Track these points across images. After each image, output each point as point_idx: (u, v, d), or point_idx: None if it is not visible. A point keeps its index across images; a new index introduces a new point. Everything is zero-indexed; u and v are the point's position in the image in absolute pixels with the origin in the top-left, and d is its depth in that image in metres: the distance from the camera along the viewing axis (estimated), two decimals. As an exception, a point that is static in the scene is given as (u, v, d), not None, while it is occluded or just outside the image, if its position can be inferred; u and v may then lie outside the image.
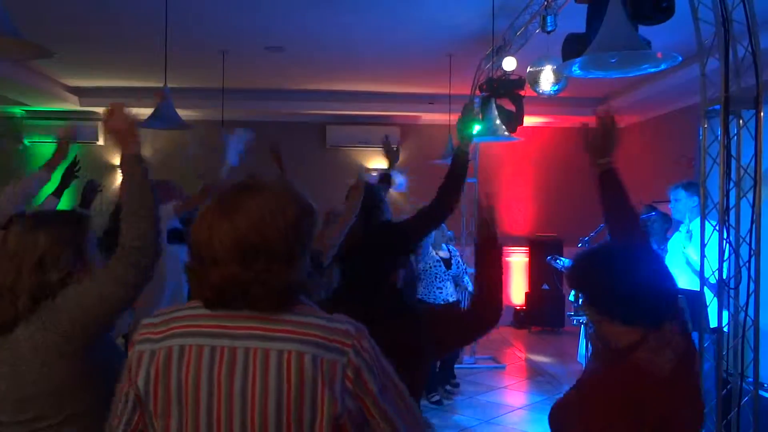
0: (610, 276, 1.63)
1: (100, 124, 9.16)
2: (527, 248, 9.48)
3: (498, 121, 5.42)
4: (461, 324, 2.09)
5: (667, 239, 5.72)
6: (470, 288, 6.31)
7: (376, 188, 2.99)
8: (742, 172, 3.14)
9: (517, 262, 9.59)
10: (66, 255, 1.81)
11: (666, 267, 1.70)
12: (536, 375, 7.11)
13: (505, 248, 2.06)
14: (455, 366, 6.61)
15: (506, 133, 5.32)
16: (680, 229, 4.76)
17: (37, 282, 1.75)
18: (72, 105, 8.51)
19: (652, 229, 5.80)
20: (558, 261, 6.20)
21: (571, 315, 5.63)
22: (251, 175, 1.35)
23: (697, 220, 4.53)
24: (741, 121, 3.15)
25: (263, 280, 1.24)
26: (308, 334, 1.24)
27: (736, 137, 3.13)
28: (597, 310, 1.64)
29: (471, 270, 6.73)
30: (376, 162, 9.71)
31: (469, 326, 2.05)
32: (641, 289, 1.58)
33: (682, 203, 4.62)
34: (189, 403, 1.24)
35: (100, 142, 9.32)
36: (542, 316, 9.17)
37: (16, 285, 1.74)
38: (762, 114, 3.09)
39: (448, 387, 6.24)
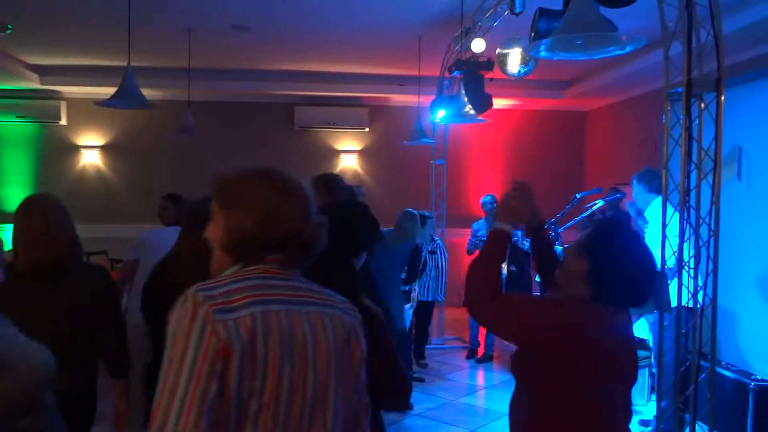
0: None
1: (62, 103, 8.98)
2: (495, 230, 9.56)
3: (466, 103, 5.42)
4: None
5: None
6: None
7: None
8: (703, 154, 3.20)
9: (486, 244, 9.67)
10: None
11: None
12: (503, 354, 7.20)
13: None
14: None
15: (474, 114, 5.34)
16: (644, 217, 4.87)
17: None
18: (33, 83, 8.29)
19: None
20: (525, 242, 6.27)
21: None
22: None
23: (650, 207, 4.65)
24: (702, 105, 3.21)
25: (317, 235, 1.51)
26: (337, 302, 1.52)
27: (697, 120, 3.19)
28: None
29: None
30: (345, 144, 9.67)
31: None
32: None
33: (635, 191, 4.75)
34: (276, 364, 1.37)
35: (63, 121, 9.12)
36: (510, 297, 9.28)
37: None
38: (723, 98, 3.15)
39: (416, 367, 6.30)
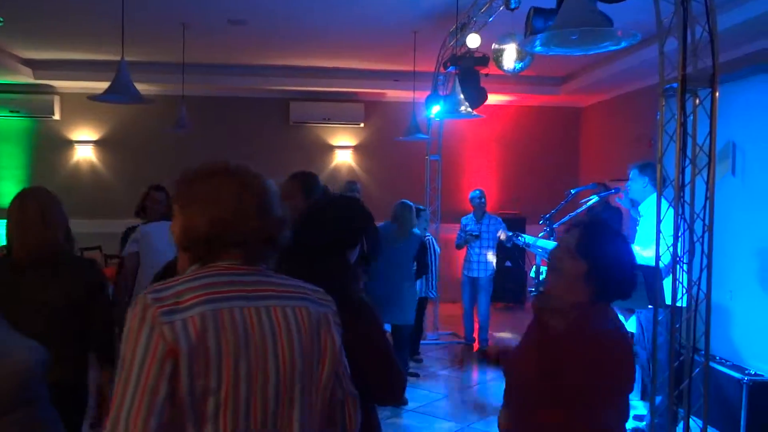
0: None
1: (55, 98, 8.93)
2: (490, 226, 9.57)
3: (461, 98, 5.42)
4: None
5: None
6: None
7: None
8: (697, 149, 3.20)
9: (481, 240, 9.68)
10: None
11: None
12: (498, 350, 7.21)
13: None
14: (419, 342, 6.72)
15: (469, 110, 5.33)
16: (638, 209, 4.85)
17: None
18: (26, 78, 8.24)
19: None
20: (520, 238, 6.27)
21: (533, 291, 5.72)
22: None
23: (645, 202, 4.63)
24: (697, 100, 3.21)
25: (279, 230, 1.49)
26: (305, 293, 1.50)
27: (692, 116, 3.19)
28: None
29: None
30: (340, 139, 9.65)
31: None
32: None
33: (634, 183, 4.69)
34: (230, 362, 1.35)
35: (56, 116, 9.07)
36: (504, 292, 9.29)
37: None
38: (717, 93, 3.15)
39: (411, 362, 6.31)
